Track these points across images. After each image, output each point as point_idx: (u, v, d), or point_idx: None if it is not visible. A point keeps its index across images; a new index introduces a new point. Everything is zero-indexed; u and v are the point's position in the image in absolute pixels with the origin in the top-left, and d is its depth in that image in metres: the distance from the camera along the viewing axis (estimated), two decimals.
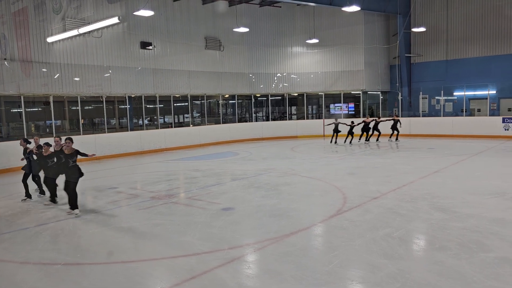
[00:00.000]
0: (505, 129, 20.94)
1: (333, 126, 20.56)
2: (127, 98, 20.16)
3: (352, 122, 20.50)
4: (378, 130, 20.95)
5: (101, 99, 18.95)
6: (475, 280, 4.79)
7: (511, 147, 17.25)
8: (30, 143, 10.22)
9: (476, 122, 22.25)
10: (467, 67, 24.89)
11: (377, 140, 21.26)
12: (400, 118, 21.89)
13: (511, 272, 4.97)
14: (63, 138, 8.96)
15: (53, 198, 9.53)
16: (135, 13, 16.19)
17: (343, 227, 7.00)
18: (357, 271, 5.28)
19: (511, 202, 8.21)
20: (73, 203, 8.40)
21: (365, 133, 20.75)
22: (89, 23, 17.18)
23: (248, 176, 12.32)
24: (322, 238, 6.70)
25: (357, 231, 6.76)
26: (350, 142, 20.51)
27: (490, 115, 22.46)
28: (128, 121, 20.52)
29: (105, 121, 19.39)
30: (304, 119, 26.93)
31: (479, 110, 24.35)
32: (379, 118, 21.58)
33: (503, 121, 21.15)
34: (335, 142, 20.62)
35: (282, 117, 27.85)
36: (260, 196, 9.66)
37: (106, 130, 19.42)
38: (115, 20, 15.65)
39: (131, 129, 20.52)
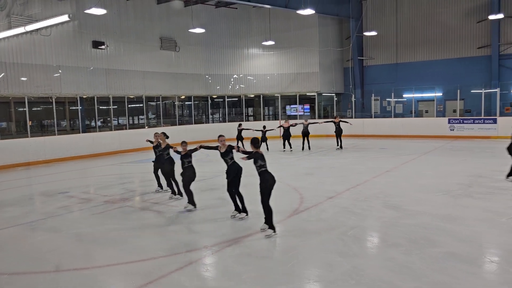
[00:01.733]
0: (451, 129, 22.12)
1: (301, 128, 18.33)
2: (78, 99, 19.42)
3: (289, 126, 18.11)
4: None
5: (51, 100, 18.12)
6: (425, 274, 5.01)
7: (456, 146, 18.24)
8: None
9: (424, 123, 23.34)
10: (416, 70, 26.10)
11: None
12: (347, 120, 19.40)
13: (457, 266, 5.24)
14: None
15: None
16: (87, 11, 15.64)
17: (300, 227, 7.11)
18: (314, 270, 5.37)
19: (457, 199, 8.67)
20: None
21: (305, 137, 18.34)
22: (37, 21, 16.40)
23: (206, 178, 12.22)
24: (279, 239, 6.76)
25: (313, 230, 6.88)
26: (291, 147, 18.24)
27: (437, 116, 23.64)
28: (80, 123, 19.76)
29: (55, 123, 18.56)
30: (261, 120, 27.10)
31: (426, 111, 25.59)
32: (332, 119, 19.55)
33: (449, 122, 22.33)
34: (302, 149, 18.28)
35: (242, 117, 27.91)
36: (218, 197, 9.60)
37: (56, 132, 18.59)
38: (65, 18, 15.01)
39: (83, 131, 19.79)
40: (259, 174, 6.81)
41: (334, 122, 18.38)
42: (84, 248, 6.49)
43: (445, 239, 6.24)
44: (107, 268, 5.67)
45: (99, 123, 21.22)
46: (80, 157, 18.27)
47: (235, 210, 7.85)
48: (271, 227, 6.72)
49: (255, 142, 6.86)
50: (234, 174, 7.66)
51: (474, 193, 9.16)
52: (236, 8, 25.54)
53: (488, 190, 9.32)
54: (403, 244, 6.04)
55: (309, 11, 19.20)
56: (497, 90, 22.07)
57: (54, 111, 18.24)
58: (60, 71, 18.37)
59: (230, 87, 26.35)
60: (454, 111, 23.98)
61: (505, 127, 20.88)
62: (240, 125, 18.93)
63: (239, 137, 18.46)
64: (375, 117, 25.21)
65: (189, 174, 8.61)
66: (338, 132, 18.41)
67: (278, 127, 19.09)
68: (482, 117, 21.84)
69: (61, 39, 18.43)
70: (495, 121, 21.25)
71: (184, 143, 8.93)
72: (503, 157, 14.73)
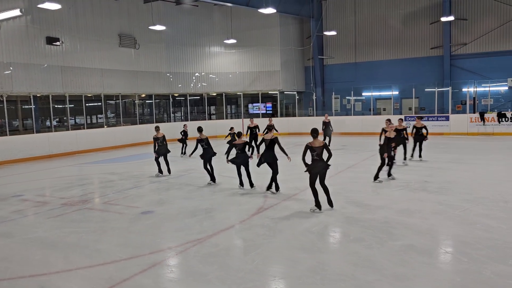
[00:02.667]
0: (407, 127, 22.89)
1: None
2: (31, 97, 18.56)
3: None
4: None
5: (1, 99, 17.21)
6: (385, 267, 5.18)
7: (412, 143, 18.89)
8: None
9: (382, 121, 23.95)
10: (374, 69, 26.90)
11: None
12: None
13: (415, 258, 5.45)
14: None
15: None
16: (40, 5, 14.96)
17: (264, 225, 7.14)
18: (279, 267, 5.42)
19: (414, 194, 9.02)
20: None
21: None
22: None
23: (168, 177, 12.04)
24: (244, 237, 6.76)
25: (277, 228, 6.94)
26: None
27: (394, 114, 24.46)
28: (34, 123, 18.88)
29: (7, 122, 17.65)
30: (223, 118, 27.02)
31: (384, 109, 26.43)
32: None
33: (405, 119, 23.09)
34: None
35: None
36: (181, 197, 9.49)
37: (7, 132, 17.68)
38: (16, 12, 14.33)
39: (38, 131, 18.93)
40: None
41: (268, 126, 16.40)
42: (41, 254, 6.21)
43: (404, 232, 6.47)
44: (66, 273, 5.46)
45: (54, 123, 20.38)
46: (34, 158, 17.50)
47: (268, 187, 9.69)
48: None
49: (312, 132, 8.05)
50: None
51: (430, 187, 9.56)
52: (197, 6, 25.29)
53: (442, 185, 9.75)
54: (365, 239, 6.21)
55: (270, 10, 19.33)
56: (449, 89, 23.15)
57: (5, 110, 17.35)
58: (11, 68, 17.47)
59: (192, 85, 26.07)
60: (410, 109, 24.92)
61: (457, 124, 21.99)
62: (185, 125, 17.57)
63: (183, 140, 16.98)
64: (335, 115, 25.74)
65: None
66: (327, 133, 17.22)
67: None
68: (436, 114, 22.83)
69: (13, 34, 17.51)
70: (447, 119, 22.27)
71: (240, 134, 10.43)
72: (455, 153, 15.47)
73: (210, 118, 27.33)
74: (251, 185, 10.08)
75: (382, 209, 7.77)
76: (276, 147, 9.44)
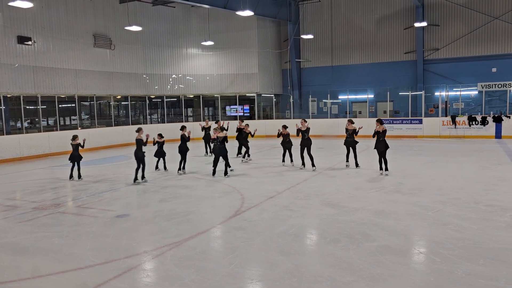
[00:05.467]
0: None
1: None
2: (2, 98, 17.96)
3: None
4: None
5: None
6: (361, 268, 5.24)
7: None
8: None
9: (358, 123, 24.28)
10: (350, 73, 27.31)
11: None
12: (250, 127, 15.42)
13: (391, 258, 5.54)
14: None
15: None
16: (11, 3, 14.52)
17: (242, 227, 7.12)
18: (256, 269, 5.41)
19: (389, 195, 9.17)
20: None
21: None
22: None
23: (144, 180, 11.85)
24: (221, 240, 6.73)
25: (255, 230, 6.93)
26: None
27: (369, 117, 24.85)
28: (4, 124, 18.28)
29: None
30: (200, 121, 26.83)
31: (360, 112, 26.83)
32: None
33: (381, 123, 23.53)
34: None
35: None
36: (158, 200, 9.36)
37: None
38: None
39: (8, 133, 18.35)
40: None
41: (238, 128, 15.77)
42: (10, 260, 6.00)
43: (379, 233, 6.57)
44: (37, 279, 5.29)
45: (26, 124, 19.80)
46: (4, 160, 16.94)
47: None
48: None
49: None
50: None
51: (404, 189, 9.75)
52: (174, 7, 25.09)
53: (415, 186, 9.96)
54: (341, 240, 6.27)
55: (248, 13, 19.36)
56: (422, 92, 23.72)
57: None
58: None
59: (169, 87, 25.82)
60: (385, 112, 25.38)
61: (430, 126, 22.54)
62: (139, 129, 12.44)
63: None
64: (312, 117, 25.95)
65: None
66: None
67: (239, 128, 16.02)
68: (410, 117, 23.34)
69: None
70: (421, 122, 22.79)
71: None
72: (428, 155, 15.84)
73: (187, 120, 27.11)
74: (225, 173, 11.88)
75: (358, 211, 7.87)
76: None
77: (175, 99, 27.02)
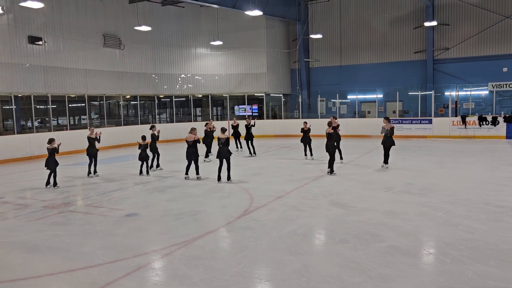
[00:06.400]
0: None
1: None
2: (13, 97, 18.18)
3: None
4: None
5: None
6: (370, 268, 5.22)
7: (396, 145, 19.11)
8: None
9: (367, 123, 24.31)
10: (359, 72, 27.18)
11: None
12: (253, 122, 17.20)
13: (400, 259, 5.51)
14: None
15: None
16: (22, 4, 14.70)
17: (250, 227, 7.13)
18: (264, 269, 5.41)
19: (398, 196, 9.12)
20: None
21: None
22: None
23: (152, 180, 11.93)
24: (230, 239, 6.74)
25: (263, 230, 6.93)
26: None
27: (378, 117, 24.71)
28: (15, 123, 18.49)
29: None
30: (209, 120, 26.89)
31: (369, 112, 26.68)
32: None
33: (389, 122, 23.39)
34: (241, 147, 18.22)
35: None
36: (166, 200, 9.41)
37: None
38: None
39: (19, 132, 18.55)
40: None
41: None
42: (21, 258, 6.08)
43: (388, 233, 6.53)
44: (48, 277, 5.35)
45: (36, 124, 20.01)
46: (15, 159, 17.14)
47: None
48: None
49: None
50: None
51: (413, 189, 9.68)
52: (184, 7, 25.18)
53: (425, 187, 9.89)
54: (350, 240, 6.25)
55: (257, 12, 19.36)
56: (432, 92, 23.52)
57: None
58: None
59: (177, 86, 25.92)
60: (394, 112, 25.21)
61: (439, 127, 22.35)
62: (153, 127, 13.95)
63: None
64: (321, 117, 25.87)
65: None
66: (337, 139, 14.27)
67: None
68: (419, 117, 23.16)
69: None
70: (430, 122, 22.61)
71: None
72: (438, 155, 15.72)
73: (195, 120, 27.19)
74: (228, 178, 11.14)
75: (366, 211, 7.83)
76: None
77: (184, 99, 27.12)
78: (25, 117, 20.14)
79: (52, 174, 11.22)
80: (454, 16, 24.35)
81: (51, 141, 11.40)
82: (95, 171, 12.54)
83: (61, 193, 10.43)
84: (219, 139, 11.07)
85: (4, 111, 20.07)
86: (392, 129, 12.37)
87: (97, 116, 24.18)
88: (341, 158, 14.16)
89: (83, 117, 22.88)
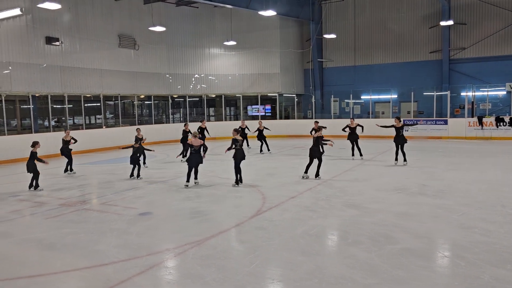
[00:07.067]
0: (405, 130, 22.84)
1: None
2: (30, 97, 18.52)
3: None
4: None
5: (0, 98, 17.17)
6: (383, 270, 5.18)
7: (410, 146, 18.90)
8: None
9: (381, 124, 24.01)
10: (373, 72, 26.95)
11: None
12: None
13: (413, 261, 5.45)
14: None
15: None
16: (40, 5, 14.94)
17: (263, 227, 7.14)
18: (277, 269, 5.41)
19: (411, 197, 9.02)
20: None
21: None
22: None
23: (166, 179, 12.03)
24: (242, 239, 6.76)
25: (276, 230, 6.94)
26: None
27: (392, 117, 24.44)
28: (32, 122, 18.83)
29: (5, 122, 17.60)
30: (222, 120, 27.03)
31: (383, 113, 26.45)
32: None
33: (404, 123, 23.17)
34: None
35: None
36: (179, 199, 9.48)
37: (6, 132, 17.63)
38: (16, 11, 14.32)
39: (36, 131, 18.88)
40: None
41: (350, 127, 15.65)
42: (38, 254, 6.20)
43: (402, 235, 6.47)
44: (64, 274, 5.45)
45: (53, 123, 20.34)
46: None
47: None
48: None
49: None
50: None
51: (428, 191, 9.57)
52: (197, 7, 25.31)
53: (440, 188, 9.76)
54: (363, 242, 6.21)
55: (270, 13, 19.36)
56: (448, 93, 23.20)
57: (4, 109, 17.31)
58: (10, 67, 17.45)
59: (191, 86, 26.07)
60: (408, 112, 24.95)
61: (455, 127, 22.03)
62: (186, 124, 16.40)
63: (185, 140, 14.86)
64: (334, 117, 25.75)
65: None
66: (354, 138, 15.36)
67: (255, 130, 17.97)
68: (434, 118, 22.87)
69: (12, 34, 17.49)
70: (446, 122, 22.30)
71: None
72: (453, 157, 15.50)
73: (209, 120, 27.30)
74: (240, 180, 10.76)
75: (380, 213, 7.77)
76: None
77: (198, 99, 27.26)
78: (42, 116, 20.49)
79: (34, 176, 10.90)
80: (471, 15, 23.98)
81: (34, 144, 11.05)
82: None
83: (77, 192, 10.58)
84: (236, 140, 10.50)
85: (22, 111, 20.44)
86: (402, 127, 12.83)
87: (112, 115, 24.47)
88: (360, 155, 14.88)
89: (98, 116, 23.17)
